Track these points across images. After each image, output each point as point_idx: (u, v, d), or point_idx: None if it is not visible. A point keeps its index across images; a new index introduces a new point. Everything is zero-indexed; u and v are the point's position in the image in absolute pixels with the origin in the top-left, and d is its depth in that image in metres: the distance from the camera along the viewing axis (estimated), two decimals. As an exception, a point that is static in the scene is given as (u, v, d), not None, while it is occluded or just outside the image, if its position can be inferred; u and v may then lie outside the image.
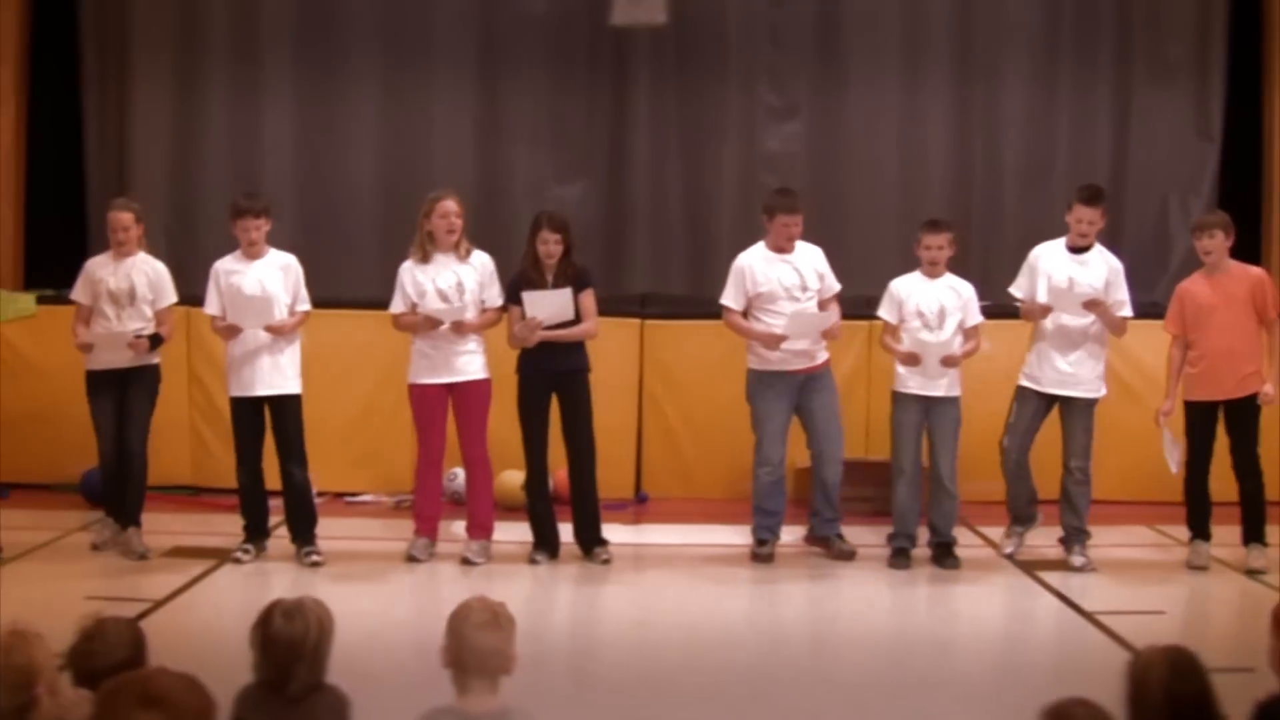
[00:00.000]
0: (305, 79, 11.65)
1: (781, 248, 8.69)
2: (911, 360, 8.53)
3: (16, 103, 11.25)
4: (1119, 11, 11.72)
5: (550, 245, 8.42)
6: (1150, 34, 11.71)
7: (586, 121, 11.72)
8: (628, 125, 11.72)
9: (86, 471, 9.53)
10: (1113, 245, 11.09)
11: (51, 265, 10.77)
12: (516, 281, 8.50)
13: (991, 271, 10.90)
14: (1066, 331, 8.52)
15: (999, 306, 9.24)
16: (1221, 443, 8.61)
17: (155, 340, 8.59)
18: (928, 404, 8.60)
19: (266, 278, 8.45)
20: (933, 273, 8.68)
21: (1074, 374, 8.55)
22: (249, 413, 8.51)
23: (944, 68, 11.74)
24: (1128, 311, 8.60)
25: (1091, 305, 8.45)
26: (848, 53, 11.70)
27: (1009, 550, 8.80)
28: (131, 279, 8.58)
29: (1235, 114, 11.62)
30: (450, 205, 8.49)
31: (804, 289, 8.64)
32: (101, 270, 8.63)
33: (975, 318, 8.70)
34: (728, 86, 11.73)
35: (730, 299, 8.74)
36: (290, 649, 3.98)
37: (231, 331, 8.42)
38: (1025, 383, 8.69)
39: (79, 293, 8.69)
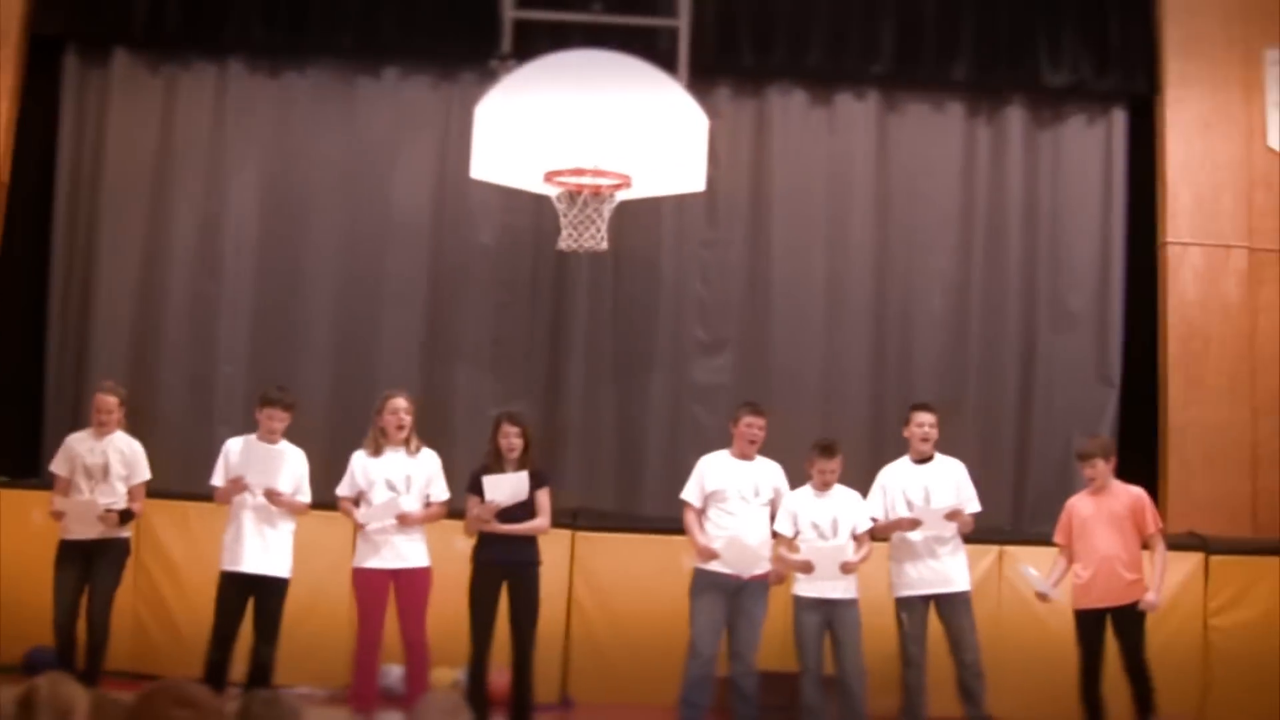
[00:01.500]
0: (265, 292, 12.22)
1: (744, 452, 9.32)
2: (806, 569, 9.10)
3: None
4: (1024, 261, 12.52)
5: (511, 438, 8.99)
6: (1053, 284, 12.49)
7: (526, 347, 12.29)
8: (564, 353, 12.29)
9: (29, 651, 9.74)
10: (1020, 481, 11.88)
11: (6, 452, 11.21)
12: (477, 473, 9.04)
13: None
14: (932, 537, 9.20)
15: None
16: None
17: (125, 515, 9.05)
18: (829, 607, 9.14)
19: None
20: (824, 489, 9.34)
21: (945, 571, 9.22)
22: (235, 589, 8.88)
23: (864, 309, 12.44)
24: (975, 508, 9.43)
25: (953, 515, 9.15)
26: (774, 289, 12.39)
27: None
28: (107, 455, 9.12)
29: (1133, 360, 12.38)
30: (400, 403, 9.10)
31: (755, 494, 9.25)
32: (80, 445, 9.17)
33: (865, 525, 9.36)
34: (659, 320, 12.38)
35: (689, 494, 9.35)
36: (266, 734, 4.39)
37: (233, 489, 8.84)
38: (907, 591, 9.30)
39: (58, 465, 9.21)
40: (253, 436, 9.15)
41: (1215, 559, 10.85)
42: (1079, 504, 9.43)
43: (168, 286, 12.18)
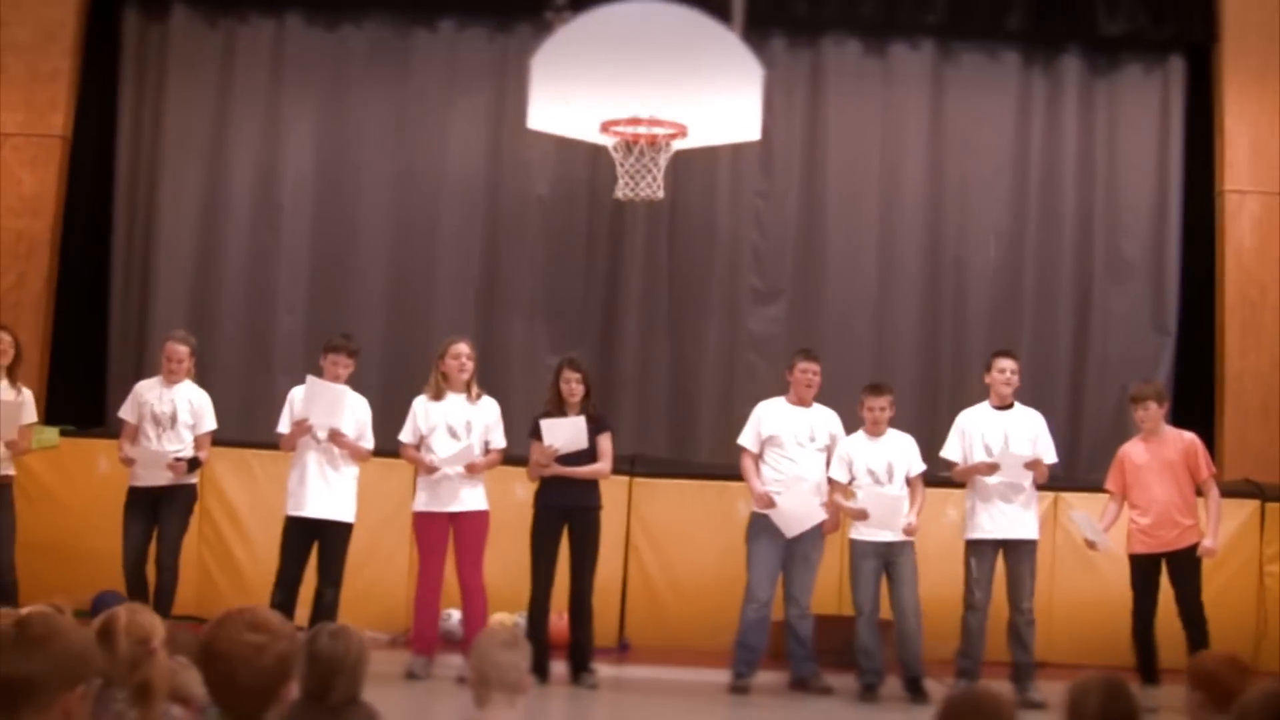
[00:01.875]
0: (322, 243, 12.37)
1: (801, 398, 9.39)
2: (863, 516, 9.18)
3: (51, 253, 11.97)
4: (1079, 211, 12.52)
5: (573, 384, 9.10)
6: (1109, 234, 12.49)
7: (582, 296, 12.41)
8: (619, 301, 12.40)
9: (98, 595, 9.92)
10: (1075, 431, 11.87)
11: (72, 401, 11.40)
12: (539, 419, 9.15)
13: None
14: (1008, 484, 9.25)
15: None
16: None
17: (193, 463, 9.20)
18: (885, 550, 9.21)
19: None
20: (876, 431, 9.37)
21: (1019, 519, 9.23)
22: (299, 533, 9.01)
23: (917, 259, 12.48)
24: (1052, 459, 9.48)
25: (1032, 465, 9.18)
26: (828, 239, 12.45)
27: None
28: (175, 404, 9.26)
29: (1189, 309, 12.38)
30: (463, 348, 9.20)
31: (811, 439, 9.31)
32: (149, 393, 9.31)
33: (918, 468, 9.44)
34: (714, 269, 12.47)
35: (746, 439, 9.44)
36: (332, 664, 4.48)
37: (298, 432, 8.95)
38: (977, 534, 9.34)
39: (127, 411, 9.37)
40: (315, 378, 9.24)
41: (1272, 506, 10.84)
42: (1132, 451, 9.43)
43: (226, 238, 12.35)
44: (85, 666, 3.06)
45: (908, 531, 9.22)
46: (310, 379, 9.15)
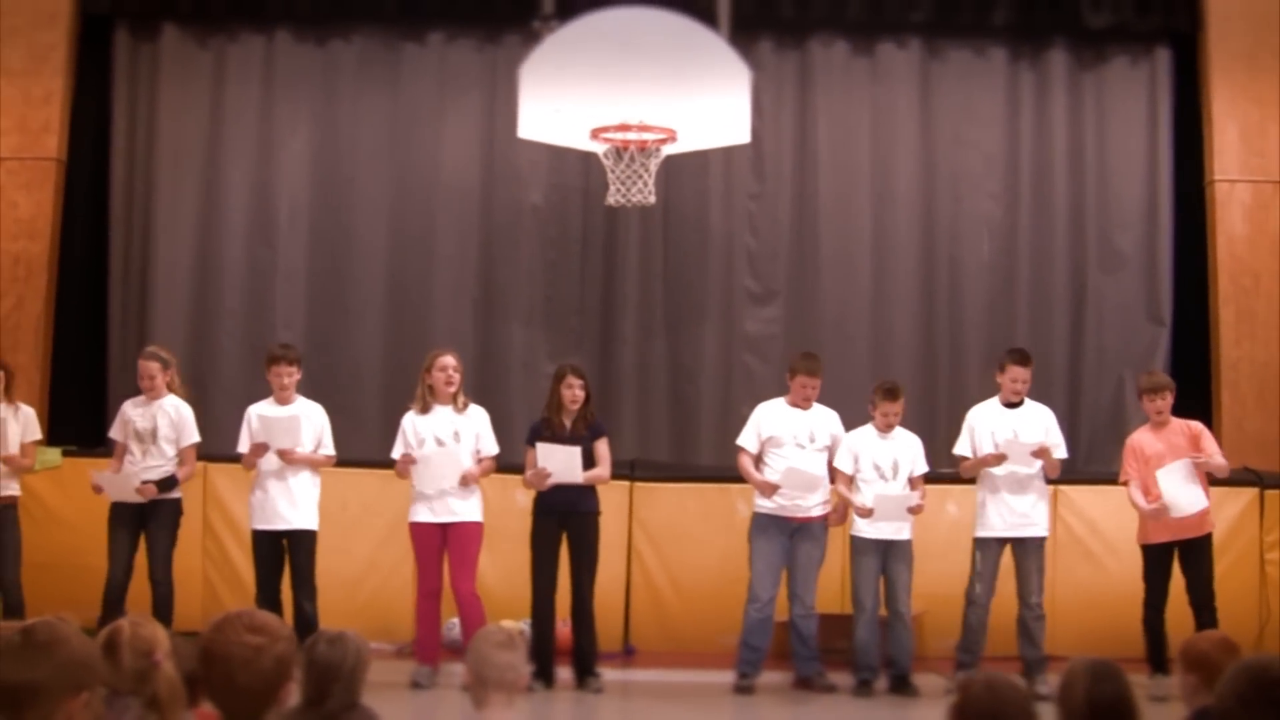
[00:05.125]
0: (319, 257, 12.42)
1: (798, 404, 9.44)
2: (869, 514, 9.22)
3: (49, 276, 12.02)
4: (1071, 204, 12.56)
5: (575, 390, 9.15)
6: (1101, 226, 12.53)
7: (578, 302, 12.45)
8: (615, 307, 12.44)
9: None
10: (1073, 423, 11.90)
11: (72, 422, 11.46)
12: (538, 427, 9.22)
13: (954, 442, 11.62)
14: (1017, 478, 9.27)
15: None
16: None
17: (165, 484, 9.25)
18: (885, 547, 9.26)
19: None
20: (887, 431, 9.45)
21: (1028, 515, 9.26)
22: (268, 546, 9.16)
23: (911, 257, 12.52)
24: (1063, 453, 9.47)
25: (1040, 453, 9.20)
26: (821, 239, 12.48)
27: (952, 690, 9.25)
28: (155, 420, 9.31)
29: (1183, 298, 12.42)
30: (449, 360, 9.25)
31: (811, 439, 9.36)
32: (133, 411, 9.39)
33: (922, 468, 9.50)
34: (709, 273, 12.50)
35: (745, 440, 9.48)
36: (329, 671, 4.52)
37: (258, 452, 9.06)
38: (984, 532, 9.38)
39: (115, 431, 9.46)
40: (267, 406, 9.33)
41: (1271, 493, 10.86)
42: (1144, 440, 9.47)
43: (223, 255, 12.39)
44: (89, 674, 3.11)
45: (913, 511, 9.24)
46: (262, 417, 9.24)
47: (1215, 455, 9.30)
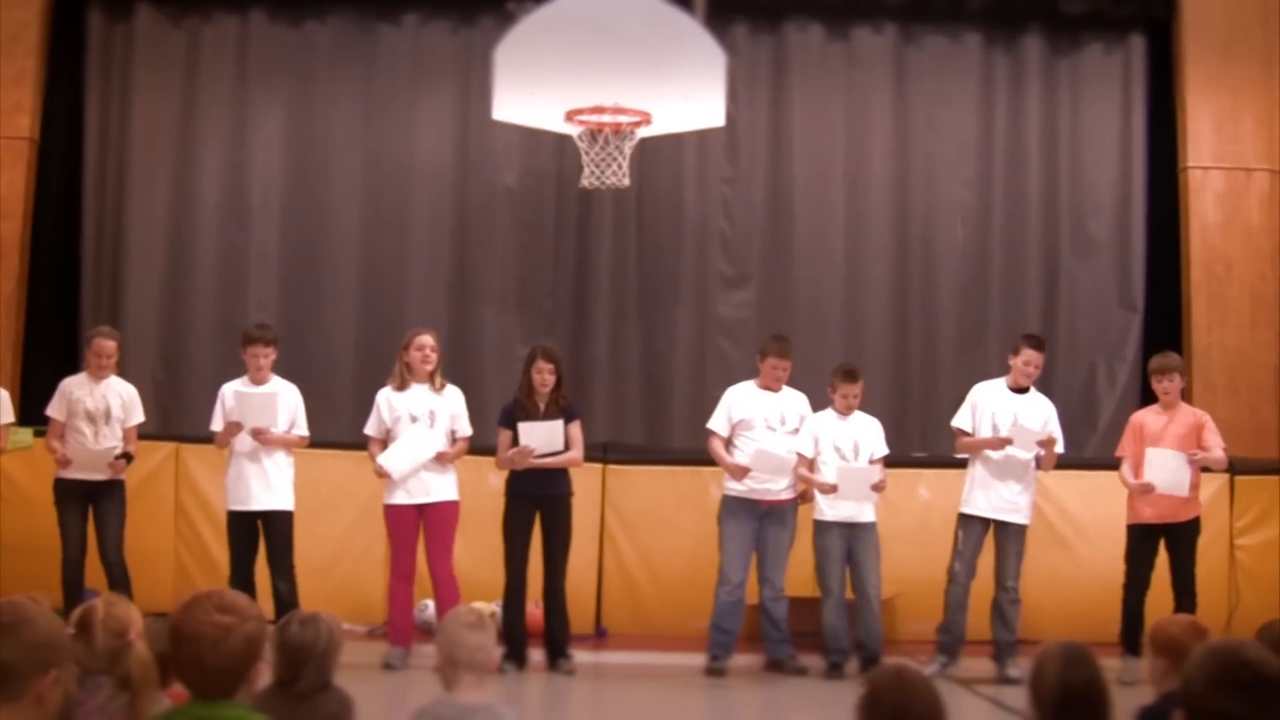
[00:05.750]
0: (292, 239, 12.39)
1: (768, 386, 9.46)
2: (832, 489, 9.24)
3: (21, 256, 11.97)
4: (1044, 190, 12.59)
5: (545, 374, 9.12)
6: (1074, 212, 12.56)
7: (552, 285, 12.45)
8: (589, 290, 12.44)
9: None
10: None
11: (45, 403, 11.36)
12: (510, 409, 9.20)
13: (927, 426, 11.69)
14: (1011, 464, 9.26)
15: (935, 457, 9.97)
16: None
17: (128, 459, 9.27)
18: (849, 530, 9.28)
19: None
20: (846, 413, 9.48)
21: (1014, 501, 9.27)
22: (242, 527, 9.14)
23: (885, 241, 12.54)
24: (1060, 449, 9.42)
25: (1046, 443, 9.21)
26: (795, 224, 12.49)
27: (931, 671, 9.13)
28: (108, 400, 9.32)
29: (1155, 285, 12.47)
30: (427, 339, 9.24)
31: (782, 422, 9.38)
32: (79, 390, 9.40)
33: (882, 450, 9.50)
34: (683, 256, 12.51)
35: (715, 424, 9.50)
36: (301, 652, 4.53)
37: (231, 430, 9.04)
38: (970, 510, 9.36)
39: (55, 409, 9.44)
40: (242, 385, 9.31)
41: (1241, 480, 10.91)
42: (1149, 419, 9.48)
43: (196, 237, 12.35)
44: (56, 652, 3.11)
45: (877, 488, 9.26)
46: (238, 393, 9.22)
47: (1215, 449, 9.31)
